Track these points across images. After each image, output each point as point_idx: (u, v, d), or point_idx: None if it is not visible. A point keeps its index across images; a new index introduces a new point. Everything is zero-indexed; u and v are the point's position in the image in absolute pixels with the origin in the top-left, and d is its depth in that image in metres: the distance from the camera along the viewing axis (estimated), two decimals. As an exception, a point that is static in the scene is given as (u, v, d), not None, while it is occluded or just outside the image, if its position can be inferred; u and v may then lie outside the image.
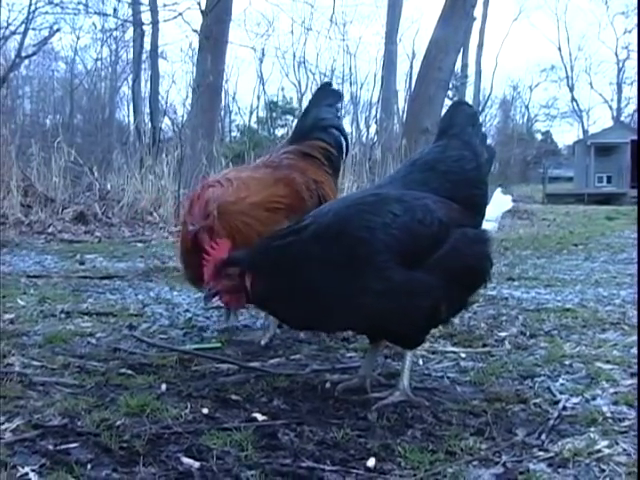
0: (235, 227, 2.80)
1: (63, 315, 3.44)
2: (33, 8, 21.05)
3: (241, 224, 2.82)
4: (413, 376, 2.49)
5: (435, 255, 2.12)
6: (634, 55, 39.56)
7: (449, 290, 2.13)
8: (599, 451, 1.81)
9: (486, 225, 2.57)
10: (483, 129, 2.64)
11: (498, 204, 6.40)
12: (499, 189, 6.80)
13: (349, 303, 2.06)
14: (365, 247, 2.05)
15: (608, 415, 2.08)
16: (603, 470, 1.71)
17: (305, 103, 4.03)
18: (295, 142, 3.30)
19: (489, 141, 2.75)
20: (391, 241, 2.07)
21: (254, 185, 2.95)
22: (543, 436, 1.92)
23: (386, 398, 2.20)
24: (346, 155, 3.47)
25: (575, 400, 2.24)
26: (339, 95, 3.58)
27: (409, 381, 2.25)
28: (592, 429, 1.98)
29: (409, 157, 2.95)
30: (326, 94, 3.50)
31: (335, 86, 4.04)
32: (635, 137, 29.13)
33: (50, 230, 8.02)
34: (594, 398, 2.26)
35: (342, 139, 3.35)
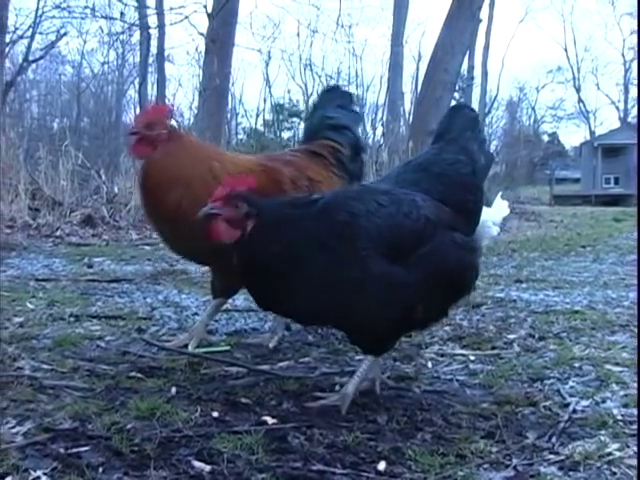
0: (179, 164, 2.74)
1: (72, 318, 3.44)
2: (40, 12, 21.20)
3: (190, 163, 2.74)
4: (422, 379, 2.49)
5: (419, 252, 2.07)
6: None
7: (428, 291, 2.08)
8: (610, 454, 1.80)
9: (493, 228, 2.55)
10: (486, 132, 2.62)
11: (500, 208, 6.38)
12: (500, 193, 6.79)
13: (325, 288, 2.02)
14: (344, 232, 2.03)
15: (618, 418, 2.08)
16: (614, 473, 1.71)
17: (311, 105, 3.93)
18: (305, 142, 3.24)
19: (495, 143, 2.74)
20: (372, 229, 2.04)
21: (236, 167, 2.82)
22: (553, 439, 1.92)
23: (325, 399, 2.20)
24: (362, 155, 3.36)
25: (585, 403, 2.23)
26: (349, 96, 3.46)
27: (357, 388, 2.21)
28: (602, 432, 1.97)
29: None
30: (336, 95, 3.39)
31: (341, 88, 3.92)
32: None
33: (58, 233, 8.03)
34: (604, 401, 2.26)
35: (355, 140, 3.25)
